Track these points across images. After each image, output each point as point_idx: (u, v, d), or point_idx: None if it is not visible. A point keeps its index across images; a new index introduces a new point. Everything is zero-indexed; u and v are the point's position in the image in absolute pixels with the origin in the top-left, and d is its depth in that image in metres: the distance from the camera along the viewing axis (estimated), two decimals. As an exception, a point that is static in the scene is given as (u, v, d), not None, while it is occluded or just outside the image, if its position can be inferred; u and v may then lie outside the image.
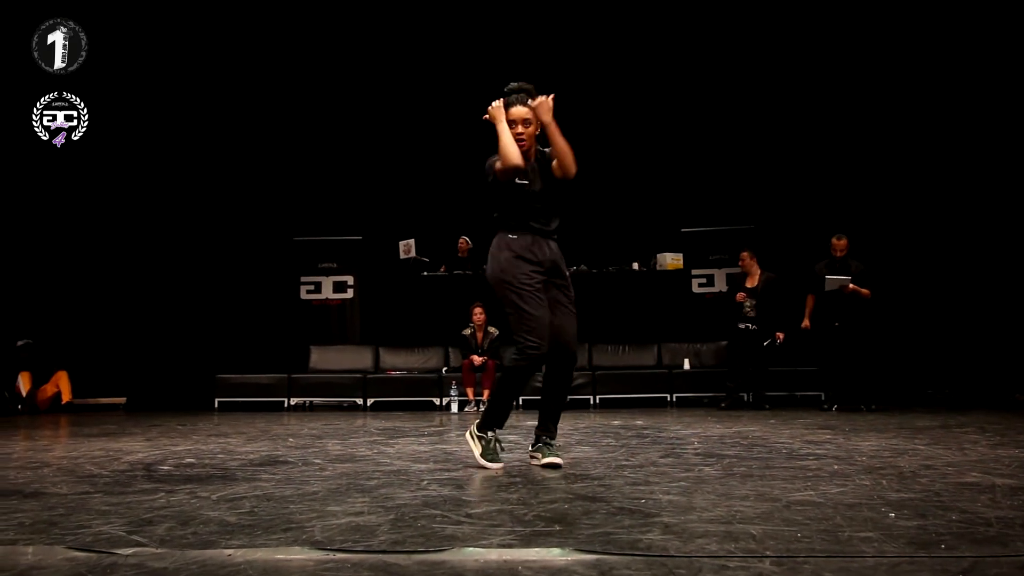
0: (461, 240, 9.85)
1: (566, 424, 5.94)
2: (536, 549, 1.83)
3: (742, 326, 7.92)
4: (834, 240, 7.38)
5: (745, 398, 8.23)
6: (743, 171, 10.02)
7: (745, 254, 8.16)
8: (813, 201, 9.44)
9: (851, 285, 7.14)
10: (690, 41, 9.87)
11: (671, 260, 9.73)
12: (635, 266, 9.80)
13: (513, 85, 3.54)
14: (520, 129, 3.46)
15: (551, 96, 3.42)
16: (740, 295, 7.96)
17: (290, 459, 3.77)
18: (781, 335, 7.79)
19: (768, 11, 9.57)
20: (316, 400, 9.16)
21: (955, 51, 8.90)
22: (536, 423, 3.56)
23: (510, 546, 1.86)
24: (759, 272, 8.05)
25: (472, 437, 3.48)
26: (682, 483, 2.83)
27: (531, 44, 9.70)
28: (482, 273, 9.64)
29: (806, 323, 7.50)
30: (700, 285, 9.86)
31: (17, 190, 9.56)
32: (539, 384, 3.74)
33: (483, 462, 3.38)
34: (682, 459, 3.59)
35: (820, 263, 7.47)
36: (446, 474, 3.17)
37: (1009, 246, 8.73)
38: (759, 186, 9.94)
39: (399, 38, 9.99)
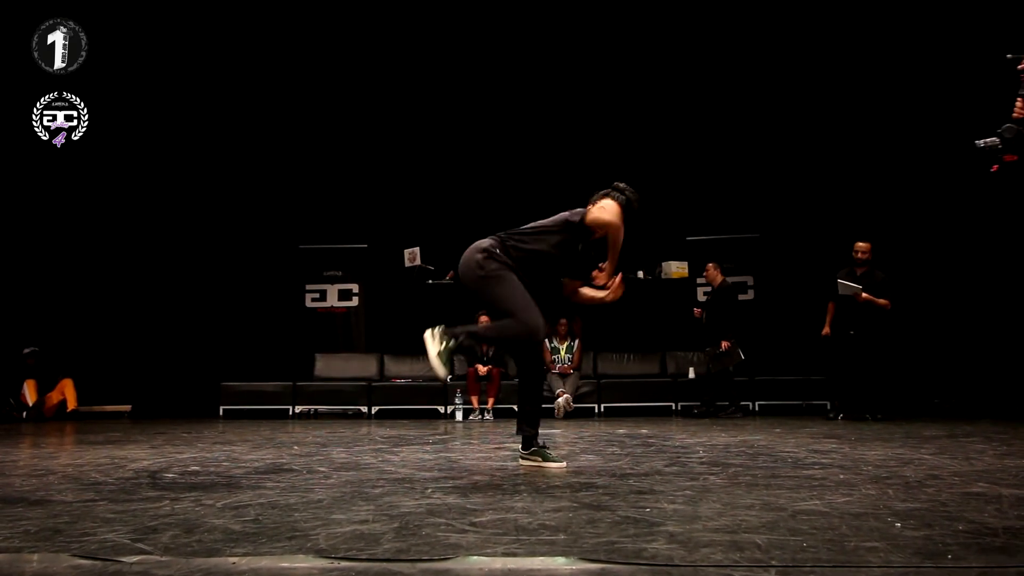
0: None
1: (571, 432, 5.94)
2: (540, 558, 1.83)
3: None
4: (857, 244, 7.22)
5: (751, 407, 8.23)
6: (749, 180, 10.01)
7: (710, 265, 8.27)
8: (820, 210, 9.43)
9: (864, 295, 6.96)
10: (696, 49, 9.88)
11: (676, 269, 9.73)
12: (640, 274, 9.80)
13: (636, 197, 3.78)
14: (602, 232, 3.64)
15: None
16: (697, 311, 8.14)
17: (295, 467, 3.77)
18: (726, 343, 7.84)
19: (772, 20, 9.58)
20: (321, 408, 9.17)
21: (965, 59, 8.89)
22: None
23: (514, 555, 1.86)
24: (719, 282, 8.20)
25: (436, 337, 3.37)
26: (687, 492, 2.82)
27: (537, 53, 9.73)
28: None
29: (827, 330, 7.34)
30: (705, 294, 9.86)
31: (18, 191, 9.58)
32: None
33: (435, 363, 3.32)
34: (687, 468, 3.58)
35: (843, 270, 7.29)
36: (451, 482, 3.17)
37: (1017, 256, 8.70)
38: (765, 195, 9.93)
39: (405, 46, 10.02)
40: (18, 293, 9.57)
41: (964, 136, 9.14)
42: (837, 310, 7.27)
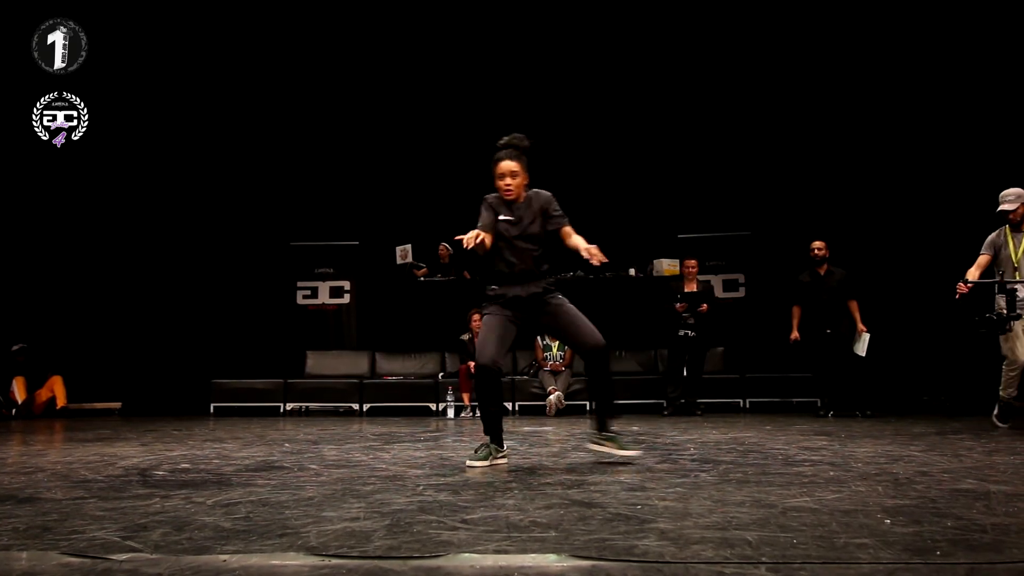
0: (441, 247, 9.86)
1: (562, 429, 5.95)
2: (532, 555, 1.83)
3: (682, 333, 8.03)
4: (813, 243, 7.38)
5: (741, 403, 8.22)
6: (740, 177, 10.03)
7: (692, 261, 8.27)
8: (811, 208, 9.45)
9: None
10: (687, 47, 9.90)
11: (668, 266, 9.73)
12: (632, 272, 9.81)
13: (505, 139, 3.74)
14: (508, 181, 3.69)
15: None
16: (680, 305, 8.03)
17: (286, 464, 3.76)
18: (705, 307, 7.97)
19: (764, 19, 9.60)
20: (312, 405, 9.14)
21: (955, 54, 8.93)
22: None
23: (506, 552, 1.86)
24: (697, 280, 8.21)
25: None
26: (678, 489, 2.83)
27: (529, 51, 9.72)
28: (466, 278, 9.59)
29: (795, 335, 7.47)
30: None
31: (16, 190, 9.54)
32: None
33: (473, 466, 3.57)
34: (678, 465, 3.58)
35: (803, 273, 7.48)
36: (442, 479, 3.17)
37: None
38: (756, 192, 9.95)
39: (396, 44, 10.00)
40: (7, 290, 9.51)
41: (961, 135, 9.21)
42: (813, 312, 7.34)
